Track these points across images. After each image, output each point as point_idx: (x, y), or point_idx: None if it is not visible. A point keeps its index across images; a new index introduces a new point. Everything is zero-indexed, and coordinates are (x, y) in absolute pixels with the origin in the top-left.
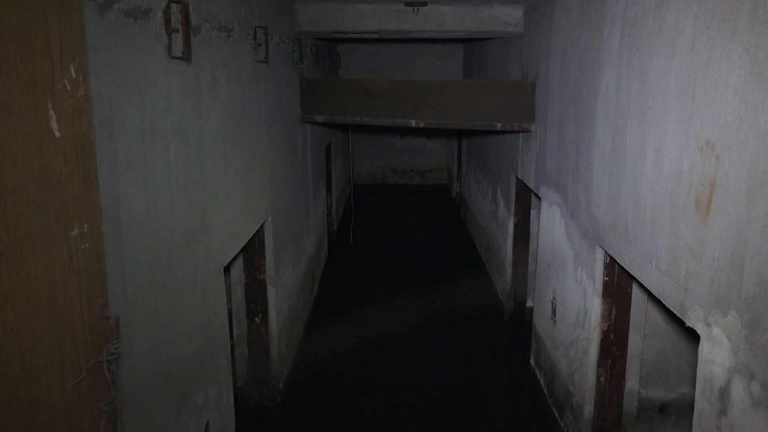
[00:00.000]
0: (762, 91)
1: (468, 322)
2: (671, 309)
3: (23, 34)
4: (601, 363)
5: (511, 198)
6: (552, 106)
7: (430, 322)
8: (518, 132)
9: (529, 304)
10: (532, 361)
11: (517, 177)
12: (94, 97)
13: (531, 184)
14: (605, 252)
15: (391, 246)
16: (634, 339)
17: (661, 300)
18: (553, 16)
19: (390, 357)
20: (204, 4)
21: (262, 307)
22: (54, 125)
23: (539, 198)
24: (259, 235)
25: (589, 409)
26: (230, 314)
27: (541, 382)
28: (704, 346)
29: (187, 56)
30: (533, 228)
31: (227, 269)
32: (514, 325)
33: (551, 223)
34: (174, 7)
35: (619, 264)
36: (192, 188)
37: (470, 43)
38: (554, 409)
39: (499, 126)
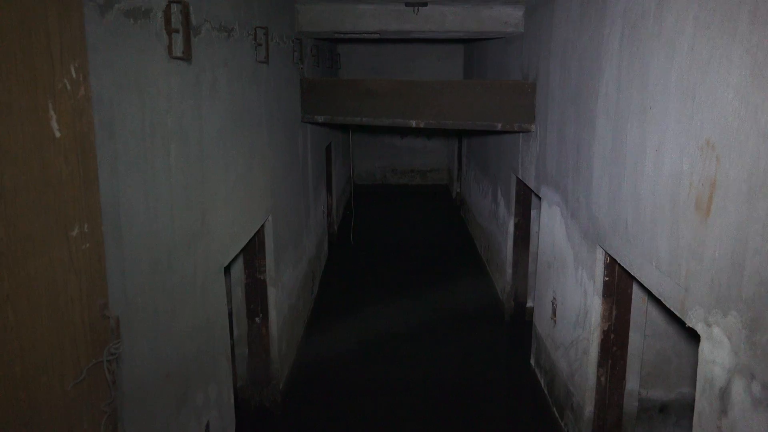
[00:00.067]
0: (762, 91)
1: (468, 322)
2: (671, 309)
3: (23, 34)
4: (601, 363)
5: (512, 198)
6: (552, 106)
7: (431, 322)
8: (518, 132)
9: (529, 304)
10: (532, 361)
11: (517, 177)
12: (94, 97)
13: (531, 185)
14: (605, 252)
15: (392, 246)
16: (635, 339)
17: (662, 300)
18: (554, 16)
19: (390, 357)
20: (204, 5)
21: (262, 307)
22: (54, 125)
23: (539, 198)
24: (259, 235)
25: (589, 409)
26: (230, 314)
27: (542, 382)
28: (704, 346)
29: (187, 56)
30: (533, 228)
31: (227, 269)
32: (515, 325)
33: (551, 223)
34: (174, 8)
35: (619, 264)
36: (192, 188)
37: (470, 43)
38: (554, 409)
39: (499, 126)
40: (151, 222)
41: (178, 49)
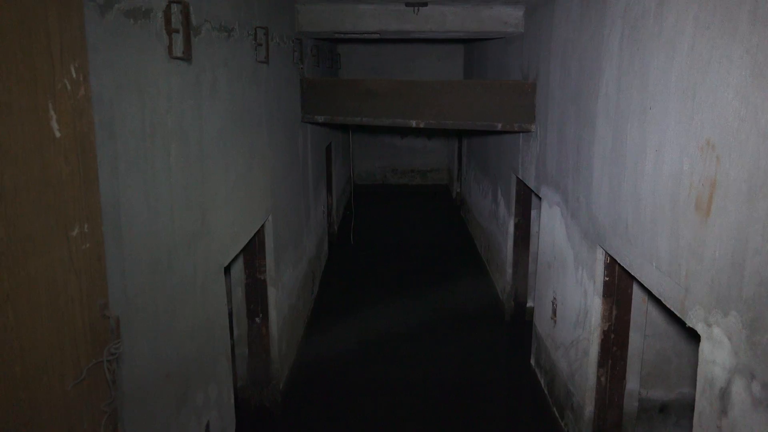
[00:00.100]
0: (763, 91)
1: (468, 322)
2: (672, 309)
3: (24, 35)
4: (601, 363)
5: (512, 198)
6: (552, 106)
7: (431, 322)
8: (519, 132)
9: (529, 304)
10: (532, 362)
11: (517, 177)
12: (94, 97)
13: (531, 185)
14: (605, 252)
15: (392, 246)
16: (635, 339)
17: (662, 300)
18: (554, 16)
19: (390, 357)
20: (204, 5)
21: (262, 308)
22: (54, 125)
23: (540, 198)
24: (259, 235)
25: (589, 410)
26: (230, 314)
27: (542, 382)
28: (705, 346)
29: (187, 56)
30: (533, 228)
31: (227, 269)
32: (515, 326)
33: (552, 224)
34: (174, 8)
35: (619, 264)
36: (192, 188)
37: (470, 43)
38: (555, 409)
39: (499, 126)
40: (151, 222)
41: (178, 49)
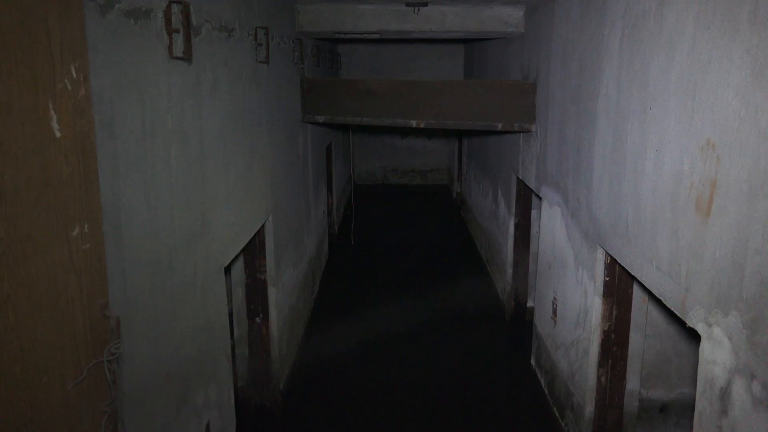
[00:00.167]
0: (763, 91)
1: (468, 322)
2: (672, 309)
3: (24, 35)
4: (601, 363)
5: (512, 198)
6: (552, 106)
7: (431, 322)
8: (519, 132)
9: (529, 304)
10: (532, 361)
11: (517, 177)
12: (94, 97)
13: (532, 185)
14: (606, 252)
15: (392, 246)
16: (635, 339)
17: (662, 300)
18: (554, 16)
19: (390, 357)
20: (205, 5)
21: (262, 308)
22: (55, 125)
23: (540, 198)
24: (259, 235)
25: (589, 410)
26: (231, 314)
27: (542, 382)
28: (705, 346)
29: (187, 56)
30: (534, 228)
31: (228, 269)
32: (515, 325)
33: (552, 224)
34: (175, 8)
35: (619, 264)
36: (192, 188)
37: (471, 43)
38: (555, 409)
39: (499, 126)
40: (151, 222)
41: (179, 49)
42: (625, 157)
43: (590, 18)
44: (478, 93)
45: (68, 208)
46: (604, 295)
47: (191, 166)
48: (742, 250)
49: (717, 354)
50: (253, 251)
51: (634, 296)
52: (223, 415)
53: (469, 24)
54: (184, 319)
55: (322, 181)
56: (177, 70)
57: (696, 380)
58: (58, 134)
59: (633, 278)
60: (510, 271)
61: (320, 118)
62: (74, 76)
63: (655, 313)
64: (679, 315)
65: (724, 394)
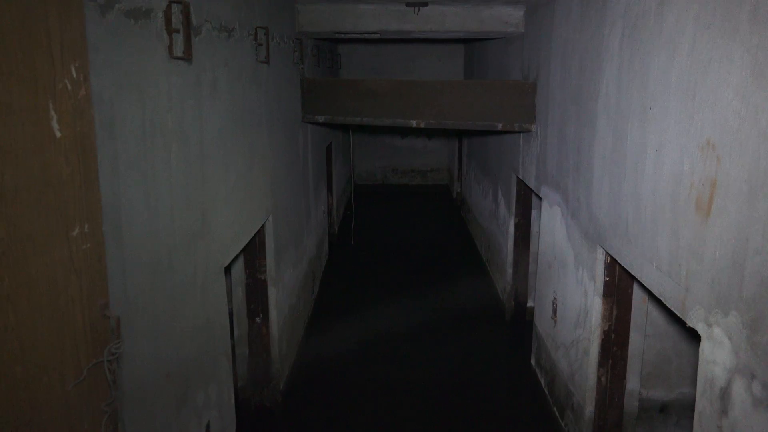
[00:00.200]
0: (763, 91)
1: (469, 322)
2: (672, 309)
3: (24, 35)
4: (601, 363)
5: (512, 198)
6: (553, 106)
7: (431, 322)
8: (519, 132)
9: (529, 304)
10: (532, 361)
11: (517, 177)
12: (95, 97)
13: (532, 185)
14: (606, 252)
15: (392, 246)
16: (635, 339)
17: (662, 300)
18: (554, 16)
19: (390, 357)
20: (205, 5)
21: (262, 307)
22: (55, 125)
23: (540, 198)
24: (259, 235)
25: (589, 410)
26: (231, 314)
27: (542, 382)
28: (705, 346)
29: (187, 56)
30: (534, 228)
31: (228, 269)
32: (515, 325)
33: (552, 224)
34: (175, 8)
35: (619, 264)
36: (193, 188)
37: (471, 43)
38: (555, 409)
39: (499, 126)
40: (151, 222)
41: (179, 49)
42: (625, 157)
43: (590, 18)
44: (478, 93)
45: (68, 208)
46: (604, 295)
47: (191, 166)
48: (742, 250)
49: (717, 354)
50: (254, 251)
51: (634, 296)
52: (223, 415)
53: (470, 24)
54: (184, 319)
55: (322, 181)
56: (177, 70)
57: (696, 380)
58: (58, 134)
59: (633, 278)
60: (510, 271)
61: (320, 118)
62: (74, 76)
63: (655, 313)
64: (679, 315)
65: (724, 394)
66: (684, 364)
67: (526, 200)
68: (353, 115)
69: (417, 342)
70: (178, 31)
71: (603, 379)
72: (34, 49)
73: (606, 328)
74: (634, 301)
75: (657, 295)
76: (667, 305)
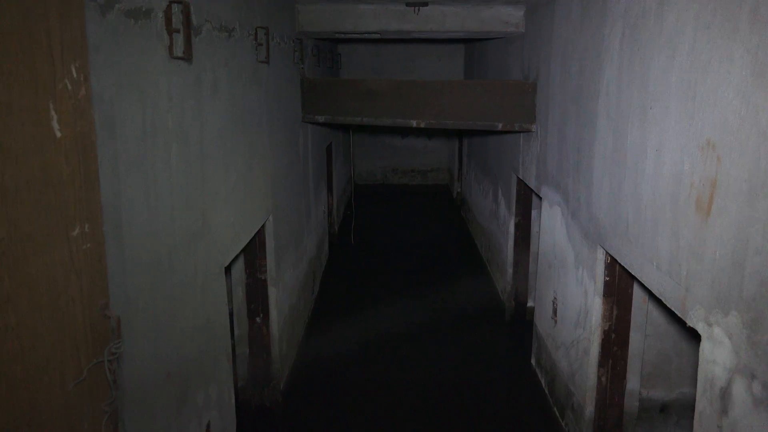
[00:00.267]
0: (763, 91)
1: (469, 322)
2: (672, 309)
3: (24, 35)
4: (602, 363)
5: (512, 198)
6: (553, 106)
7: (431, 322)
8: (519, 132)
9: (530, 304)
10: (533, 361)
11: (518, 177)
12: (95, 97)
13: (532, 184)
14: (606, 252)
15: (392, 246)
16: (635, 339)
17: (662, 300)
18: (554, 16)
19: (391, 357)
20: (205, 5)
21: (263, 307)
22: (55, 125)
23: (540, 198)
24: (260, 235)
25: (590, 409)
26: (231, 314)
27: (542, 382)
28: (705, 346)
29: (188, 56)
30: (534, 228)
31: (228, 269)
32: (515, 325)
33: (552, 223)
34: (175, 8)
35: (620, 264)
36: (193, 188)
37: (471, 43)
38: (555, 409)
39: (500, 126)
40: (151, 222)
41: (179, 49)
42: (625, 157)
43: (590, 18)
44: (479, 93)
45: (68, 208)
46: (604, 295)
47: (191, 166)
48: (742, 250)
49: (717, 354)
50: (254, 251)
51: (634, 296)
52: (224, 415)
53: (470, 24)
54: (184, 318)
55: (322, 181)
56: (177, 70)
57: (696, 380)
58: (58, 134)
59: (633, 278)
60: (510, 270)
61: (320, 118)
62: (74, 76)
63: (655, 312)
64: (679, 315)
65: (725, 394)
66: (684, 364)
67: (526, 200)
68: (353, 115)
69: (417, 342)
70: (178, 31)
71: (603, 378)
72: (34, 48)
73: (606, 328)
74: (634, 301)
75: (657, 295)
76: (668, 305)
